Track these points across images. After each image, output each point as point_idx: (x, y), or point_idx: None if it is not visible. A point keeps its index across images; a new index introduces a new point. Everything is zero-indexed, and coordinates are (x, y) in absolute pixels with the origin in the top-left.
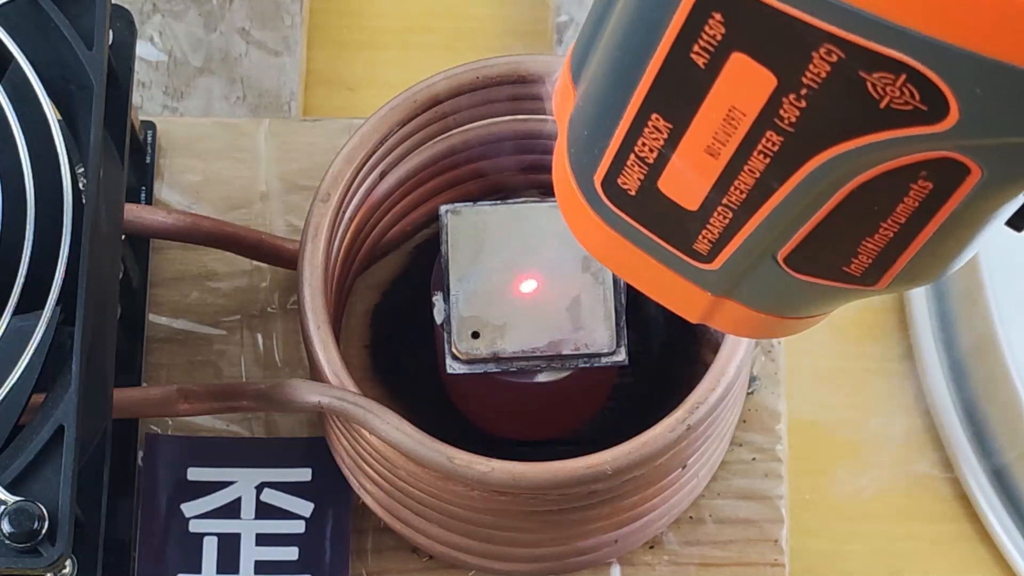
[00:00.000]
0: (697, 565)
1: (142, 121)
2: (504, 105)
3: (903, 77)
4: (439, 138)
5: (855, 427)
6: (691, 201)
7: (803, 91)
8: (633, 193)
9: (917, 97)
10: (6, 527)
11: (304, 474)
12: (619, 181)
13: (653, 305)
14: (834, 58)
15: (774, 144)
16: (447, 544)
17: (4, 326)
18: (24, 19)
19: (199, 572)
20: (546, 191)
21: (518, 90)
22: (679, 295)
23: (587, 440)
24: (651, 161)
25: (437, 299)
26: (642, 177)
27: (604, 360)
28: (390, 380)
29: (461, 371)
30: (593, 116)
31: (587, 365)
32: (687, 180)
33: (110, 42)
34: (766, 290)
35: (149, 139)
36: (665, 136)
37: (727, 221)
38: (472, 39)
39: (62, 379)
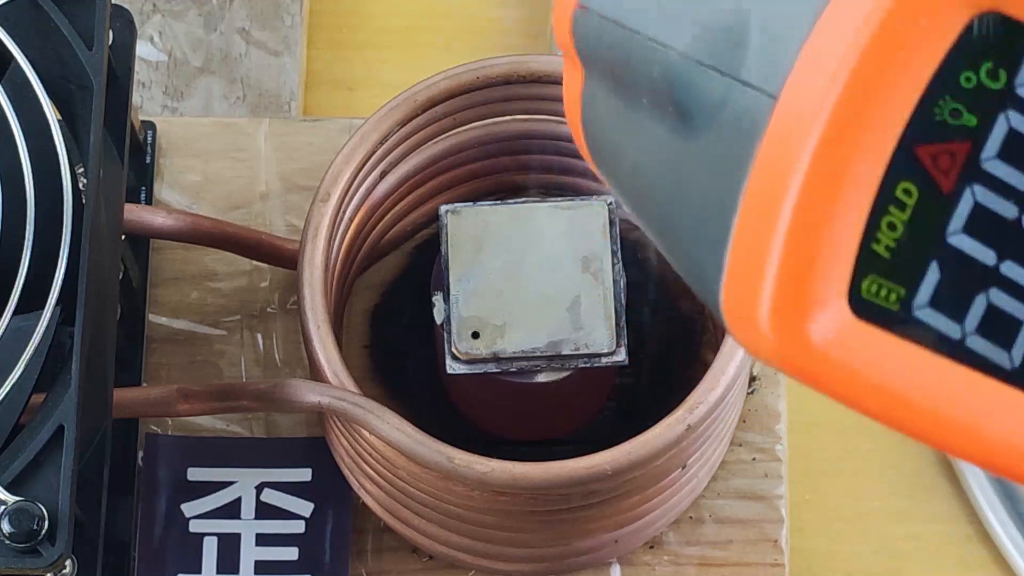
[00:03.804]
0: (697, 565)
1: (142, 121)
2: (504, 105)
3: None
4: (439, 138)
5: (855, 427)
6: None
7: None
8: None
9: None
10: (6, 527)
11: (304, 474)
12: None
13: (653, 305)
14: None
15: None
16: (447, 544)
17: (4, 326)
18: (24, 19)
19: (199, 572)
20: (546, 191)
21: (518, 90)
22: None
23: (587, 440)
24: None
25: (437, 299)
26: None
27: (604, 360)
28: (390, 380)
29: (461, 371)
30: None
31: (587, 365)
32: None
33: (110, 42)
34: None
35: (149, 139)
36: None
37: None
38: (472, 39)
39: (62, 379)
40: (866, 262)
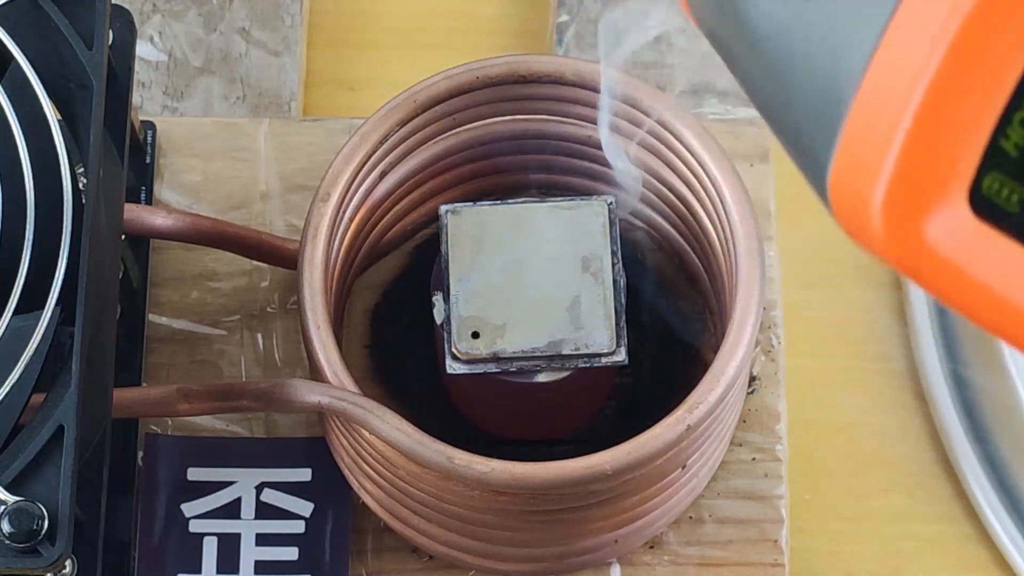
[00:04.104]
0: (697, 565)
1: (142, 121)
2: (504, 105)
3: None
4: (439, 138)
5: (855, 427)
6: None
7: None
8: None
9: None
10: (6, 527)
11: (304, 474)
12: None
13: (653, 305)
14: None
15: None
16: (447, 544)
17: (4, 326)
18: (24, 19)
19: (199, 572)
20: (546, 191)
21: (518, 90)
22: None
23: (587, 440)
24: None
25: (437, 299)
26: None
27: (604, 360)
28: (390, 380)
29: (461, 371)
30: None
31: (587, 365)
32: None
33: (110, 42)
34: None
35: (149, 139)
36: None
37: None
38: (472, 39)
39: (62, 379)
40: (992, 158)
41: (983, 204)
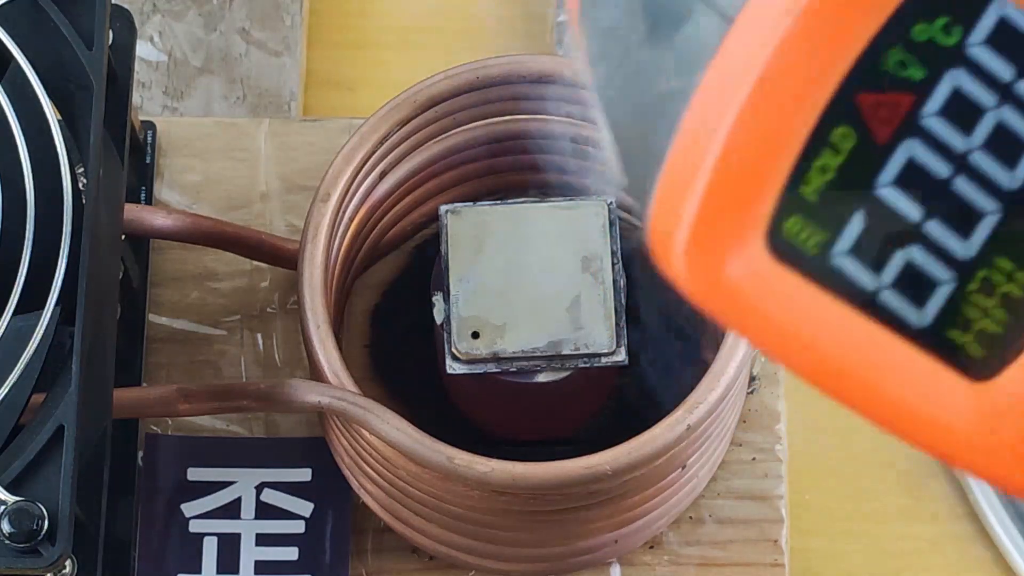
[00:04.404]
0: (697, 565)
1: (142, 121)
2: (504, 105)
3: None
4: (439, 138)
5: (855, 427)
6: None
7: None
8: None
9: None
10: (6, 527)
11: (304, 474)
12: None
13: (653, 305)
14: None
15: None
16: (447, 544)
17: (4, 326)
18: (24, 19)
19: (199, 572)
20: (546, 191)
21: (518, 90)
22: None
23: (587, 440)
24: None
25: (437, 299)
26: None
27: (604, 360)
28: (390, 380)
29: (461, 371)
30: None
31: (587, 365)
32: None
33: (110, 42)
34: None
35: (149, 139)
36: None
37: None
38: (472, 39)
39: (62, 379)
40: (792, 202)
41: (784, 246)
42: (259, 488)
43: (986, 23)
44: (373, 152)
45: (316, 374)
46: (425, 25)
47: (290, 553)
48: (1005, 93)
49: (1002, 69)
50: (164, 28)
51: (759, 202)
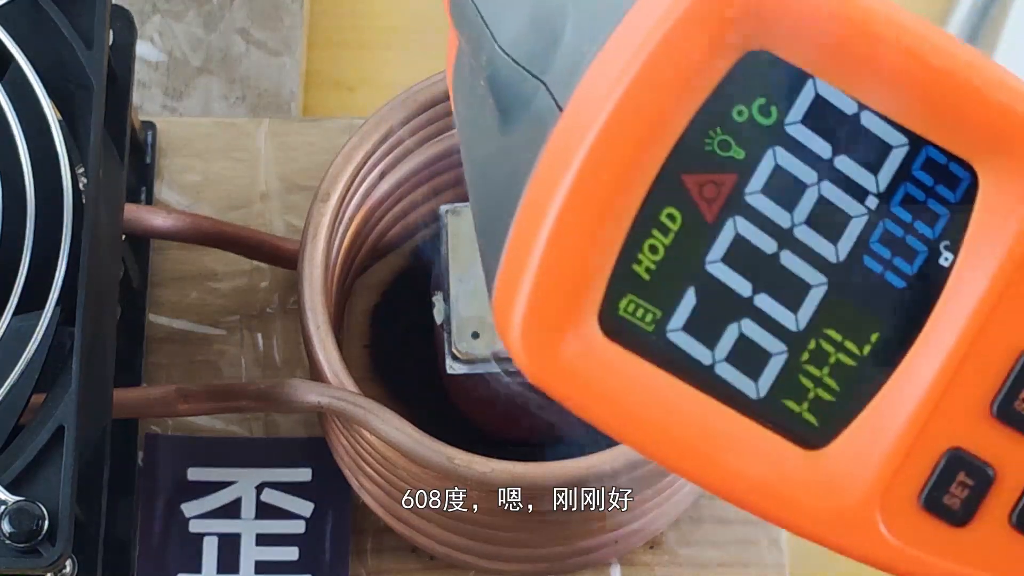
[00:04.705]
0: (697, 565)
1: (142, 121)
2: None
3: None
4: (439, 138)
5: None
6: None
7: None
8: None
9: None
10: (6, 527)
11: (304, 474)
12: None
13: None
14: None
15: None
16: (447, 544)
17: (4, 326)
18: (24, 19)
19: (199, 572)
20: None
21: None
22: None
23: (587, 440)
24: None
25: (437, 299)
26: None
27: None
28: (390, 380)
29: (461, 371)
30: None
31: None
32: None
33: (110, 42)
34: None
35: (149, 139)
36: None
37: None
38: None
39: (62, 379)
40: (625, 282)
41: (620, 325)
42: (259, 488)
43: (802, 102)
44: (373, 152)
45: (316, 374)
46: (424, 25)
47: (290, 553)
48: (825, 169)
49: (820, 146)
50: (164, 28)
51: (591, 282)
